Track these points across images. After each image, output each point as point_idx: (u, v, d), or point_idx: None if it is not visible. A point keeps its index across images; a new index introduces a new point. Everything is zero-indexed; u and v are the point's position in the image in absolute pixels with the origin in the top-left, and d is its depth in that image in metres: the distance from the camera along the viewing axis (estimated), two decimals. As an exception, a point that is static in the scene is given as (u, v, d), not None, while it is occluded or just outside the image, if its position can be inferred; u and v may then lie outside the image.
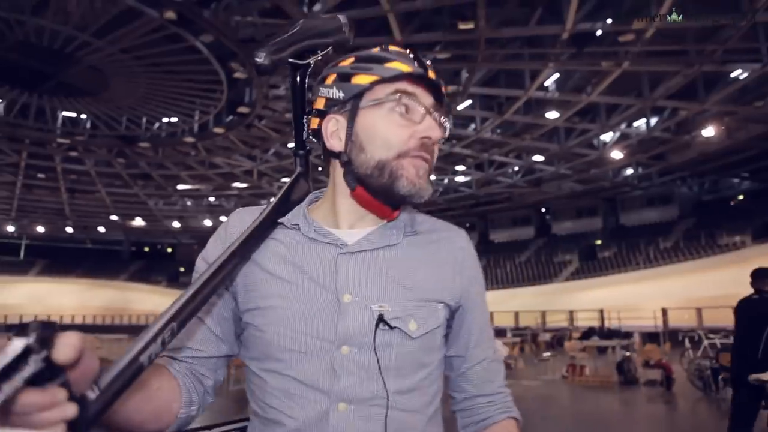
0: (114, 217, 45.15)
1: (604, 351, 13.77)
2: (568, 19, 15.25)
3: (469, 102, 23.86)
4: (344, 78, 0.83)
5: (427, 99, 0.85)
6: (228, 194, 38.63)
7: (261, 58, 0.82)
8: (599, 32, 16.63)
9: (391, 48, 0.84)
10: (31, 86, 25.00)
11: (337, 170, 0.86)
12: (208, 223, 44.48)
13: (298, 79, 0.88)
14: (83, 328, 29.59)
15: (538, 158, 28.53)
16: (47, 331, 0.43)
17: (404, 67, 0.81)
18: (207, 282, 0.68)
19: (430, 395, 0.82)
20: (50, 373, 0.44)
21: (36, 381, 0.43)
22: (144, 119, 29.15)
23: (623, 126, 24.57)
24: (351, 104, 0.83)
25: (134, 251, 54.81)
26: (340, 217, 0.85)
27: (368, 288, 0.79)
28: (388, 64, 0.81)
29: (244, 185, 36.00)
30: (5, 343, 0.43)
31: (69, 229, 48.63)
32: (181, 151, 30.80)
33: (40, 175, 36.09)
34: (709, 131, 22.30)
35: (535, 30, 16.54)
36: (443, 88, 0.86)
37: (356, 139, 0.82)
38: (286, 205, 0.84)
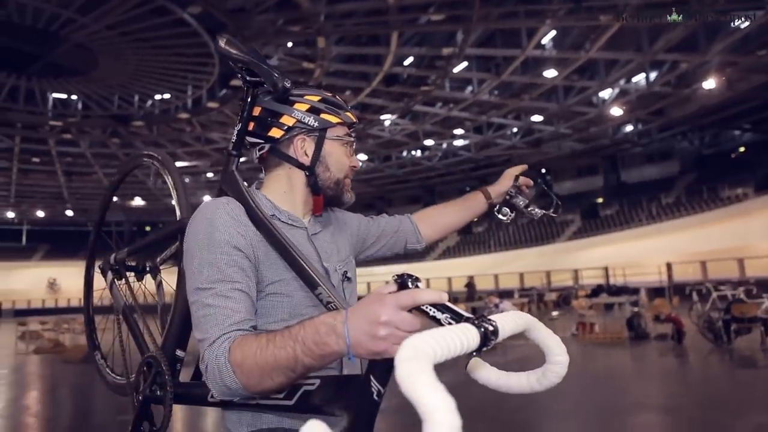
0: (113, 198, 44.95)
1: (611, 308, 13.84)
2: (566, -28, 14.83)
3: (465, 64, 23.44)
4: (316, 111, 1.14)
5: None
6: (226, 169, 38.36)
7: (222, 43, 1.13)
8: (598, -16, 16.20)
9: (338, 97, 1.19)
10: (17, 68, 24.47)
11: (296, 176, 1.16)
12: (207, 198, 44.27)
13: (250, 96, 1.16)
14: (93, 310, 29.81)
15: (537, 118, 28.21)
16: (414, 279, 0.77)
17: (352, 118, 1.19)
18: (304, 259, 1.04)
19: None
20: None
21: None
22: (136, 97, 28.70)
23: (622, 82, 24.18)
24: (320, 133, 1.14)
25: (136, 231, 54.80)
26: (297, 209, 1.17)
27: (330, 256, 1.18)
28: (347, 113, 1.18)
29: (242, 159, 35.70)
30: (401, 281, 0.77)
31: (69, 213, 48.49)
32: (175, 128, 30.44)
33: (35, 160, 35.74)
34: (709, 83, 21.95)
35: (532, -15, 16.13)
36: None
37: (323, 160, 1.15)
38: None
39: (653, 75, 23.28)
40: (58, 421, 6.08)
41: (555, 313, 13.44)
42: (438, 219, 1.55)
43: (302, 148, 1.14)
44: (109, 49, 22.40)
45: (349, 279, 1.20)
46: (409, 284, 0.73)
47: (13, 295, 34.85)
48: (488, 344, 0.65)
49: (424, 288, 0.73)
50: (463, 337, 0.62)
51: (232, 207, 1.07)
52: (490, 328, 0.66)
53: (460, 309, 0.70)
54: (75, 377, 8.97)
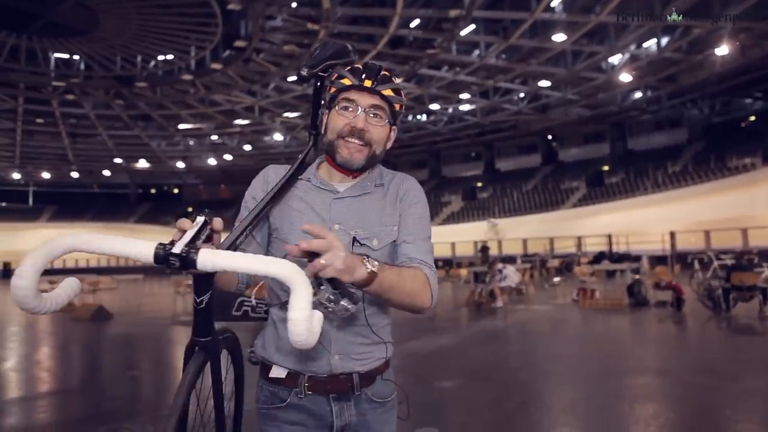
0: (118, 160, 44.96)
1: (613, 275, 13.95)
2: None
3: (472, 27, 23.00)
4: (329, 89, 1.28)
5: (366, 101, 1.24)
6: (230, 131, 38.16)
7: (304, 72, 1.29)
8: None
9: (356, 66, 1.26)
10: (18, 27, 24.18)
11: None
12: (212, 162, 44.23)
13: (319, 84, 1.33)
14: (98, 271, 30.21)
15: (544, 84, 27.81)
16: (211, 214, 0.94)
17: (347, 82, 1.24)
18: (264, 207, 1.17)
19: None
20: (208, 239, 0.92)
21: (205, 240, 0.91)
22: (139, 58, 28.37)
23: (633, 47, 23.72)
24: (329, 106, 1.28)
25: (141, 194, 54.96)
26: (333, 175, 1.30)
27: (350, 220, 1.24)
28: (342, 80, 1.24)
29: (246, 122, 35.51)
30: (194, 219, 0.92)
31: (74, 174, 48.59)
32: (179, 90, 30.18)
33: (39, 121, 35.62)
34: (722, 50, 21.51)
35: (543, -56, 15.65)
36: (385, 91, 1.24)
37: (326, 128, 1.27)
38: (302, 166, 1.31)
39: (665, 40, 22.80)
40: (70, 375, 6.27)
41: (557, 279, 13.58)
42: None
43: (323, 124, 1.31)
44: (110, 8, 22.05)
45: (361, 244, 1.22)
46: (197, 217, 0.93)
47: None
48: (170, 265, 0.82)
49: (188, 219, 0.92)
50: (132, 247, 0.82)
51: (268, 171, 1.32)
52: (174, 251, 0.82)
53: (189, 236, 0.86)
54: (84, 335, 9.19)
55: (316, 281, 0.91)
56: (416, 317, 10.39)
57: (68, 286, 0.92)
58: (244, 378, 1.32)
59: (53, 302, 0.88)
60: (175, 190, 55.58)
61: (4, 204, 49.91)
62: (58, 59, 28.98)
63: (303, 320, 0.81)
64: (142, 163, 46.05)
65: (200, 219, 0.91)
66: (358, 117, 1.23)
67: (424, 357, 6.26)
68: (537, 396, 4.69)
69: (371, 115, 1.24)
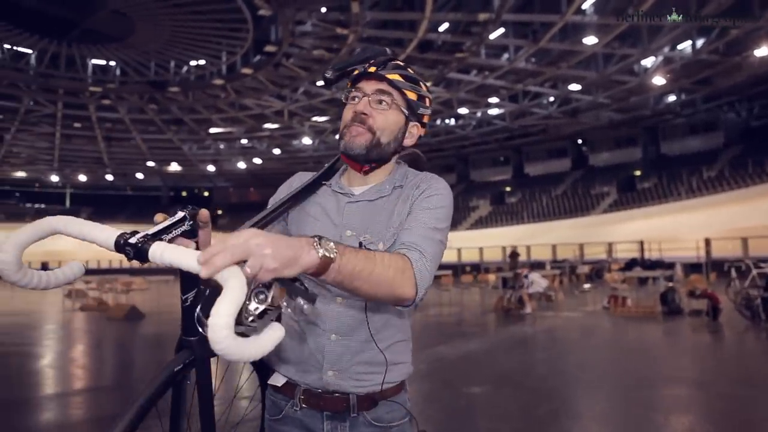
0: (151, 163, 45.99)
1: (645, 282, 13.63)
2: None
3: (501, 30, 22.82)
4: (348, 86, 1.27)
5: (371, 86, 1.20)
6: (260, 135, 38.66)
7: (329, 74, 1.24)
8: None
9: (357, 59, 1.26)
10: (58, 34, 25.00)
11: None
12: (242, 165, 44.87)
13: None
14: (131, 272, 30.91)
15: (574, 87, 27.42)
16: (194, 210, 0.90)
17: (355, 72, 1.23)
18: (274, 209, 1.19)
19: None
20: (192, 234, 0.90)
21: (185, 235, 0.88)
22: (172, 63, 29.01)
23: (666, 49, 23.20)
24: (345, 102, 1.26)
25: (172, 196, 56.09)
26: (352, 179, 1.26)
27: (361, 224, 1.18)
28: (354, 72, 1.24)
29: (275, 126, 35.93)
30: (173, 212, 0.88)
31: (109, 177, 49.88)
32: (210, 95, 30.73)
33: (77, 125, 36.72)
34: (761, 51, 20.87)
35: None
36: (391, 75, 1.20)
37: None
38: (329, 172, 1.29)
39: (700, 42, 22.25)
40: (104, 372, 6.42)
41: (587, 286, 13.33)
42: None
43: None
44: (145, 15, 22.61)
45: (368, 249, 1.14)
46: (178, 211, 0.91)
47: (59, 255, 36.41)
48: (126, 254, 0.80)
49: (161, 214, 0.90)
50: (99, 233, 0.82)
51: (295, 177, 1.32)
52: (131, 241, 0.80)
53: (156, 228, 0.84)
54: (118, 333, 9.40)
55: (264, 286, 0.77)
56: (443, 321, 10.34)
57: (68, 269, 0.93)
58: (267, 384, 1.26)
59: (45, 279, 0.88)
60: (206, 193, 56.56)
61: (43, 205, 51.55)
62: (95, 65, 29.86)
63: (222, 327, 0.66)
64: (174, 167, 47.01)
65: (180, 214, 0.88)
66: (361, 102, 1.20)
67: (452, 362, 6.21)
68: (568, 404, 4.61)
69: (376, 101, 1.19)
